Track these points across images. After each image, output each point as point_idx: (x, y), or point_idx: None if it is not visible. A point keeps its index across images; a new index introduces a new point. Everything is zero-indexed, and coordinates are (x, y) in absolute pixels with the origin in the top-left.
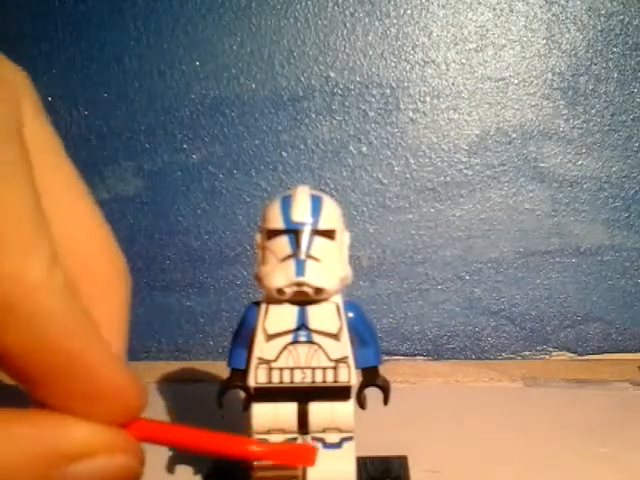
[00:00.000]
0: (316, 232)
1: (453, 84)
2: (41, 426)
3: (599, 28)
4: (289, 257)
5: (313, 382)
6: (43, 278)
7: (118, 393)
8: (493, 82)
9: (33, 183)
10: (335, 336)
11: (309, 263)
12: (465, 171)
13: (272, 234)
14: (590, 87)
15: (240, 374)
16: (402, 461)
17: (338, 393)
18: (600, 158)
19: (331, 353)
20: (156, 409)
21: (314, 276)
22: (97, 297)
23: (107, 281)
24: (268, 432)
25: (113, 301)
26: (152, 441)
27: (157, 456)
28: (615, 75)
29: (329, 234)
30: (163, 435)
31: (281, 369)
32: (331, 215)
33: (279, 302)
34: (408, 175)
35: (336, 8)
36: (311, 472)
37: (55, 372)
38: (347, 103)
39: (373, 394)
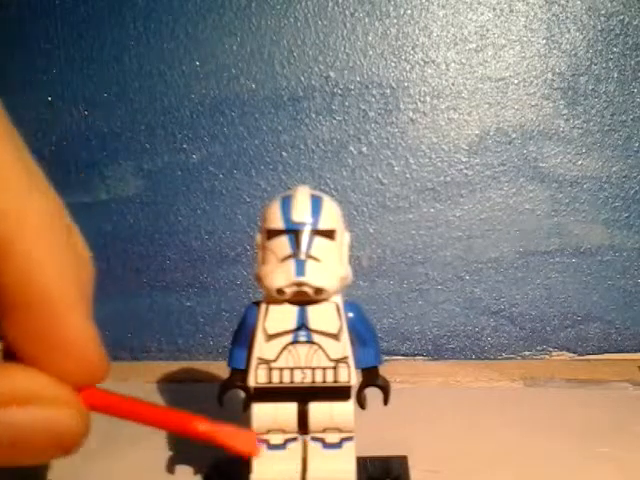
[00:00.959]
0: (316, 232)
1: (453, 84)
2: None
3: (599, 28)
4: (289, 257)
5: (313, 382)
6: (37, 218)
7: (83, 350)
8: (493, 82)
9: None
10: (335, 336)
11: (309, 263)
12: (465, 171)
13: (272, 234)
14: (590, 87)
15: (240, 374)
16: (402, 461)
17: (338, 393)
18: (600, 158)
19: (331, 353)
20: None
21: (314, 276)
22: (47, 270)
23: (48, 236)
24: (268, 432)
25: (67, 271)
26: (102, 411)
27: (157, 456)
28: (615, 75)
29: (329, 234)
30: (114, 406)
31: (281, 369)
32: (331, 215)
33: (279, 302)
34: (408, 175)
35: (336, 8)
36: (311, 472)
37: (31, 307)
38: (347, 103)
39: (373, 394)
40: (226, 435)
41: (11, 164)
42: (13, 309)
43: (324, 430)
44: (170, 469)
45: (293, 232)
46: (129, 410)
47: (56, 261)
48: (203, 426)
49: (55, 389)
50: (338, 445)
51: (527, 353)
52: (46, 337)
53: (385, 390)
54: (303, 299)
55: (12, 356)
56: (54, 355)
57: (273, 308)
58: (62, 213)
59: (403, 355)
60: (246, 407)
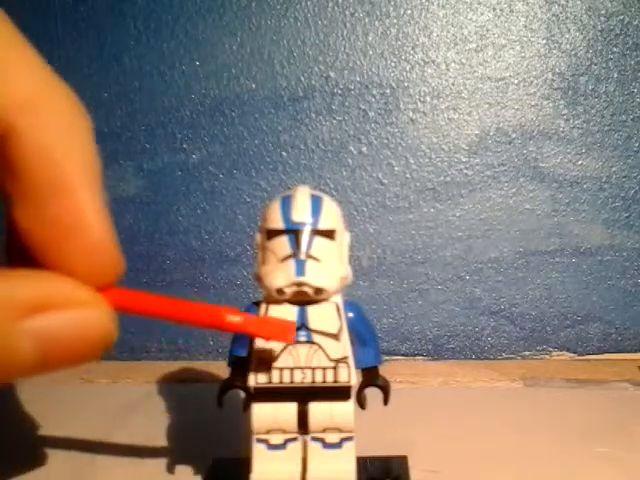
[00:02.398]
0: (316, 232)
1: (453, 84)
2: (4, 279)
3: (599, 28)
4: (289, 257)
5: (313, 382)
6: (52, 104)
7: (99, 239)
8: (493, 82)
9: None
10: (335, 336)
11: (309, 263)
12: (465, 171)
13: (272, 234)
14: (590, 87)
15: (240, 374)
16: (402, 461)
17: (338, 393)
18: (600, 158)
19: (331, 353)
20: (156, 409)
21: (314, 276)
22: (59, 147)
23: (67, 128)
24: (268, 432)
25: (79, 151)
26: (127, 309)
27: (157, 456)
28: (615, 75)
29: (329, 234)
30: (138, 303)
31: (281, 369)
32: (331, 215)
33: (279, 302)
34: (408, 175)
35: (336, 8)
36: (311, 472)
37: (47, 189)
38: (347, 103)
39: (373, 394)
40: (257, 325)
41: (29, 52)
42: (29, 195)
43: (324, 430)
44: (170, 469)
45: (293, 232)
46: (153, 306)
47: (71, 147)
48: (233, 317)
49: (78, 290)
50: (338, 445)
51: (527, 353)
52: (62, 221)
53: (385, 390)
54: (303, 299)
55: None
56: (71, 246)
57: (273, 308)
58: (74, 100)
59: (403, 355)
60: (246, 407)
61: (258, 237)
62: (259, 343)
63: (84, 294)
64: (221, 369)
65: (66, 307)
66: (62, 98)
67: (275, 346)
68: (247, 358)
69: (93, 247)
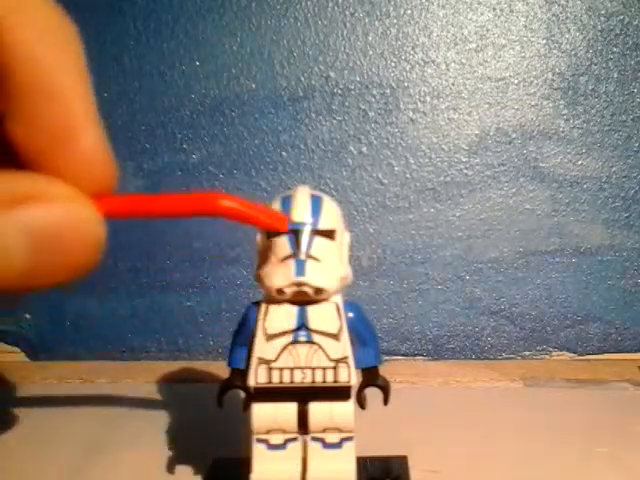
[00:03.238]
0: (316, 232)
1: (453, 84)
2: None
3: (599, 28)
4: (289, 257)
5: (313, 382)
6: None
7: (92, 144)
8: (493, 82)
9: None
10: (335, 336)
11: (309, 263)
12: (465, 171)
13: (272, 234)
14: (590, 87)
15: (240, 374)
16: (402, 461)
17: (338, 393)
18: (600, 158)
19: (331, 353)
20: (156, 409)
21: (314, 276)
22: (48, 53)
23: (54, 34)
24: (268, 432)
25: (68, 57)
26: (122, 214)
27: (157, 456)
28: (615, 75)
29: (329, 234)
30: (132, 206)
31: (281, 369)
32: (331, 215)
33: (279, 302)
34: (408, 175)
35: (336, 8)
36: (311, 472)
37: (38, 92)
38: (347, 103)
39: (373, 394)
40: (252, 209)
41: None
42: (19, 102)
43: (324, 430)
44: (170, 469)
45: (293, 232)
46: (146, 206)
47: (61, 53)
48: (227, 202)
49: (60, 186)
50: (338, 445)
51: (527, 353)
52: (54, 128)
53: (385, 390)
54: (303, 299)
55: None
56: (63, 153)
57: (273, 308)
58: (60, 9)
59: (403, 355)
60: (246, 407)
61: (258, 237)
62: (259, 343)
63: (66, 189)
64: (221, 369)
65: (50, 201)
66: (47, 5)
67: (275, 346)
68: (247, 358)
69: (86, 154)
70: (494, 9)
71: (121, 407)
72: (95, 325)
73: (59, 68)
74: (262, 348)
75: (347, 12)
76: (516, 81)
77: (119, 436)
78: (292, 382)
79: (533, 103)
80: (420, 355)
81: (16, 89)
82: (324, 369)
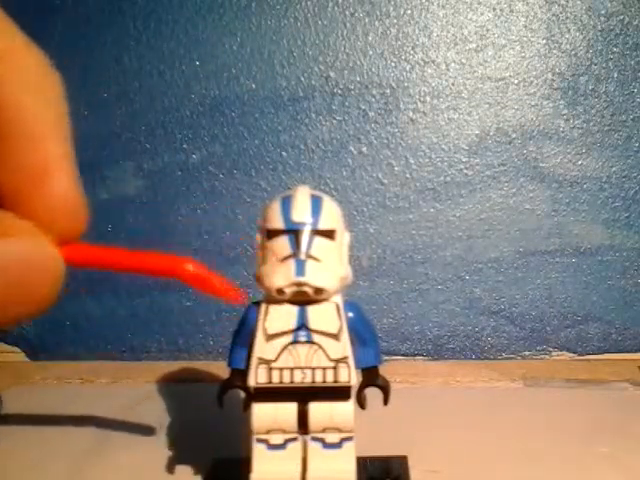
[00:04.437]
0: (316, 232)
1: (453, 84)
2: None
3: (599, 28)
4: (289, 257)
5: (313, 382)
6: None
7: (63, 194)
8: (493, 82)
9: None
10: (335, 336)
11: (309, 263)
12: (465, 171)
13: (272, 234)
14: (590, 87)
15: (240, 374)
16: (402, 461)
17: (338, 393)
18: (600, 158)
19: (331, 353)
20: (156, 409)
21: (314, 276)
22: (30, 99)
23: (38, 82)
24: (268, 432)
25: (48, 104)
26: (89, 263)
27: (157, 456)
28: (615, 75)
29: (329, 234)
30: (99, 256)
31: (281, 369)
32: (331, 215)
33: (279, 302)
34: (408, 175)
35: (336, 8)
36: (311, 472)
37: (13, 135)
38: (347, 103)
39: (373, 394)
40: (214, 280)
41: (2, 14)
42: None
43: (324, 430)
44: (170, 469)
45: (293, 232)
46: (111, 259)
47: (40, 99)
48: (192, 267)
49: (32, 225)
50: (338, 445)
51: (527, 353)
52: (28, 170)
53: (385, 390)
54: (303, 299)
55: None
56: (35, 195)
57: (273, 308)
58: (43, 57)
59: (403, 355)
60: (246, 407)
61: (258, 237)
62: (259, 343)
63: (29, 226)
64: (221, 369)
65: (12, 236)
66: (31, 54)
67: (275, 346)
68: (247, 358)
69: (57, 198)
70: (494, 9)
71: (121, 407)
72: (95, 325)
73: (39, 116)
74: (262, 348)
75: (347, 12)
76: (516, 81)
77: (119, 436)
78: (292, 382)
79: (533, 103)
80: (420, 355)
81: None
82: (324, 369)
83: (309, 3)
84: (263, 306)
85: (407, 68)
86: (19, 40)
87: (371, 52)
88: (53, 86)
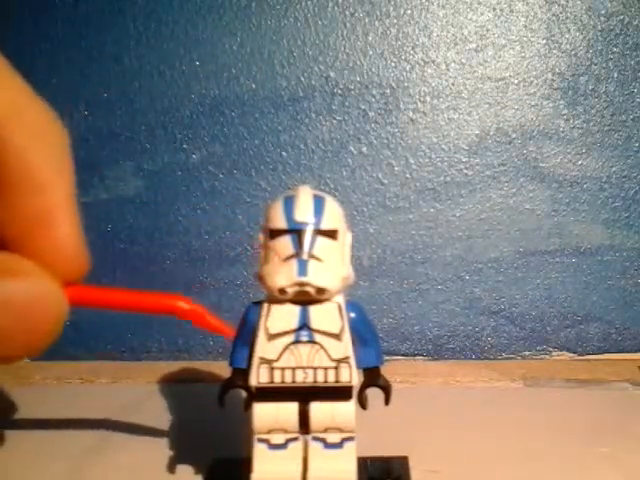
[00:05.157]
0: (318, 232)
1: (453, 84)
2: None
3: (599, 28)
4: (291, 257)
5: (315, 382)
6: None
7: (65, 240)
8: (493, 82)
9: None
10: (337, 336)
11: (311, 263)
12: (465, 171)
13: (274, 234)
14: (590, 87)
15: (242, 374)
16: (403, 461)
17: (339, 393)
18: (600, 158)
19: (333, 353)
20: (156, 409)
21: (316, 276)
22: (37, 151)
23: (44, 134)
24: (269, 432)
25: (54, 155)
26: (86, 303)
27: (157, 456)
28: (615, 75)
29: (331, 234)
30: (97, 297)
31: (283, 369)
32: (333, 215)
33: (281, 302)
34: (408, 175)
35: (336, 8)
36: (312, 472)
37: (21, 185)
38: (347, 103)
39: (374, 394)
40: (207, 316)
41: (7, 67)
42: (5, 190)
43: (325, 430)
44: (170, 469)
45: (295, 232)
46: (111, 300)
47: (46, 151)
48: (187, 305)
49: (24, 262)
50: (339, 445)
51: (527, 353)
52: (33, 217)
53: (386, 390)
54: (305, 299)
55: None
56: (39, 240)
57: (275, 308)
58: (50, 110)
59: (403, 355)
60: (247, 407)
61: (260, 237)
62: (261, 343)
63: (34, 267)
64: (221, 369)
65: (18, 275)
66: (39, 108)
67: (277, 346)
68: (248, 358)
69: (59, 243)
70: (494, 9)
71: (121, 407)
72: (95, 325)
73: (44, 165)
74: (264, 348)
75: (347, 12)
76: (516, 81)
77: (119, 436)
78: (294, 382)
79: (533, 103)
80: (420, 355)
81: (2, 180)
82: (326, 369)
83: (309, 3)
84: (265, 306)
85: (407, 68)
86: (25, 93)
87: (371, 52)
88: (57, 135)
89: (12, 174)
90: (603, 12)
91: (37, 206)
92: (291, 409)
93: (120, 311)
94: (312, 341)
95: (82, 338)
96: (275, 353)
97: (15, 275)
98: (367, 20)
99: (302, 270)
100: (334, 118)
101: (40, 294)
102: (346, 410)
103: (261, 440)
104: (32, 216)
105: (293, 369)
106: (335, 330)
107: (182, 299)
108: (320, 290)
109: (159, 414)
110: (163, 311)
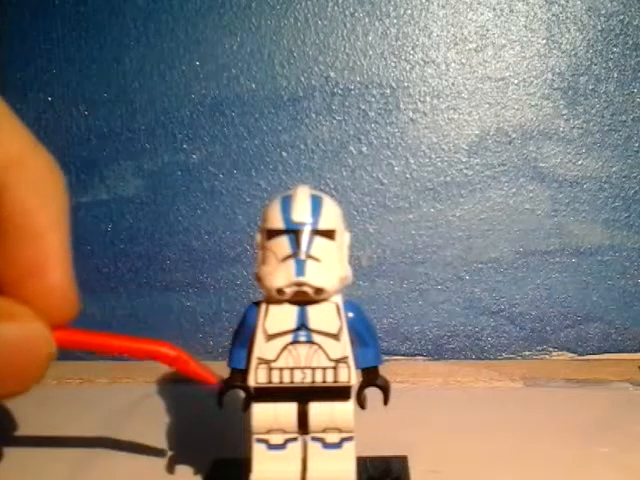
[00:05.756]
0: (316, 232)
1: (453, 84)
2: None
3: (599, 28)
4: (289, 257)
5: (313, 382)
6: (35, 168)
7: (57, 287)
8: (493, 82)
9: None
10: (335, 336)
11: (309, 263)
12: (465, 171)
13: (272, 234)
14: (590, 87)
15: (240, 374)
16: (402, 461)
17: (338, 393)
18: (600, 158)
19: (331, 353)
20: (156, 409)
21: (314, 276)
22: (35, 200)
23: (44, 183)
24: (268, 432)
25: (52, 204)
26: (75, 346)
27: (157, 456)
28: (615, 75)
29: (329, 234)
30: (85, 341)
31: (281, 369)
32: (331, 215)
33: (279, 302)
34: (408, 175)
35: (336, 8)
36: (311, 472)
37: (19, 236)
38: (347, 103)
39: (373, 394)
40: (191, 363)
41: (12, 116)
42: (2, 237)
43: (324, 430)
44: (170, 469)
45: (293, 232)
46: (98, 344)
47: (44, 201)
48: (172, 352)
49: (16, 306)
50: (338, 445)
51: (527, 353)
52: (27, 264)
53: (385, 390)
54: (303, 299)
55: None
56: (31, 286)
57: (273, 308)
58: (50, 158)
59: (403, 355)
60: (246, 407)
61: (258, 237)
62: (259, 343)
63: (26, 311)
64: (221, 369)
65: (9, 319)
66: (42, 158)
67: (275, 346)
68: (247, 358)
69: (51, 289)
70: (494, 9)
71: (121, 407)
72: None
73: (42, 215)
74: (262, 348)
75: (347, 12)
76: (516, 81)
77: (119, 436)
78: (292, 382)
79: (533, 103)
80: (420, 355)
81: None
82: (324, 369)
83: (309, 3)
84: (263, 306)
85: (407, 68)
86: (29, 143)
87: (371, 52)
88: (57, 185)
89: (10, 223)
90: (603, 12)
91: (32, 254)
92: (290, 409)
93: (107, 355)
94: (310, 341)
95: None
96: (273, 353)
97: (8, 319)
98: (367, 20)
99: (300, 270)
100: (334, 118)
101: (30, 337)
102: (345, 410)
103: (260, 440)
104: (26, 263)
105: (291, 369)
106: (333, 330)
107: (168, 346)
108: (318, 290)
109: (159, 414)
110: (149, 357)
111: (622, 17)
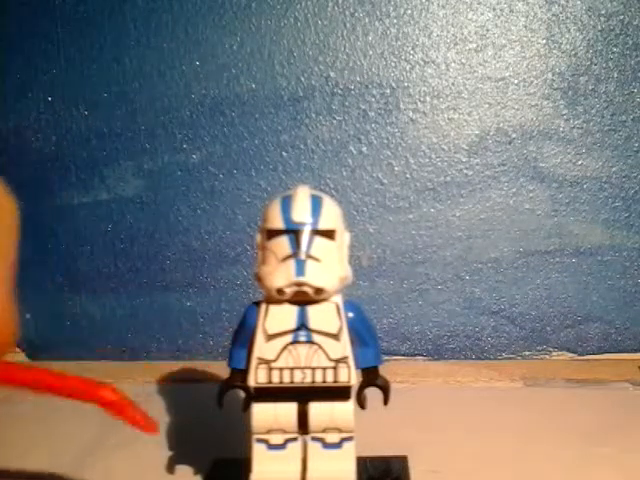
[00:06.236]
0: (316, 232)
1: (453, 84)
2: None
3: (599, 28)
4: (289, 257)
5: (313, 382)
6: None
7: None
8: (493, 82)
9: None
10: (335, 336)
11: (309, 263)
12: (465, 171)
13: (272, 234)
14: (590, 87)
15: (240, 374)
16: (402, 461)
17: (338, 393)
18: (600, 158)
19: (331, 353)
20: (156, 409)
21: (314, 276)
22: None
23: None
24: (268, 432)
25: None
26: (10, 382)
27: (157, 456)
28: (615, 75)
29: (329, 234)
30: (21, 377)
31: (281, 369)
32: (331, 215)
33: (279, 302)
34: (408, 175)
35: (336, 8)
36: (311, 472)
37: None
38: (347, 103)
39: (373, 394)
40: (129, 408)
41: None
42: None
43: (324, 430)
44: (170, 469)
45: (293, 232)
46: (35, 381)
47: None
48: (110, 395)
49: None
50: (338, 445)
51: (527, 353)
52: None
53: (385, 390)
54: (303, 299)
55: None
56: None
57: (273, 308)
58: (4, 190)
59: (403, 355)
60: (246, 407)
61: (258, 237)
62: (259, 343)
63: None
64: (221, 369)
65: None
66: None
67: (275, 346)
68: (247, 358)
69: None
70: (494, 9)
71: None
72: (95, 325)
73: None
74: (262, 348)
75: (347, 12)
76: (516, 81)
77: (119, 436)
78: (292, 382)
79: (533, 103)
80: (420, 355)
81: None
82: (324, 369)
83: (309, 3)
84: (263, 306)
85: (407, 68)
86: None
87: (371, 52)
88: (7, 216)
89: None
90: (603, 12)
91: None
92: (290, 409)
93: (43, 393)
94: (310, 341)
95: (82, 338)
96: (273, 353)
97: None
98: (367, 20)
99: (300, 270)
100: (334, 118)
101: None
102: (345, 410)
103: (260, 440)
104: None
105: (291, 369)
106: (333, 330)
107: (108, 389)
108: (318, 290)
109: (159, 414)
110: (86, 399)
111: (622, 17)
